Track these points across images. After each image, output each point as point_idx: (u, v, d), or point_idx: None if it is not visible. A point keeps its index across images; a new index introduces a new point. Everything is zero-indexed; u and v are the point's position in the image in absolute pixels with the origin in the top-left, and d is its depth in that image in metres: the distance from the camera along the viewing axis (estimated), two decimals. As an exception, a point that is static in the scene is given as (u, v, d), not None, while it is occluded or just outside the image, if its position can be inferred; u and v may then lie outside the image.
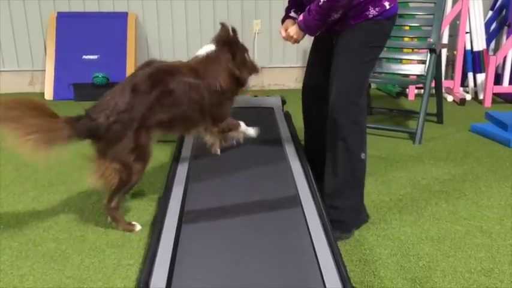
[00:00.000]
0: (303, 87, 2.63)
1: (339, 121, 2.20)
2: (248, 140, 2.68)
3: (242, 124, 2.64)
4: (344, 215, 2.23)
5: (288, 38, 2.35)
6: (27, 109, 2.02)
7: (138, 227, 2.28)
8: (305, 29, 2.26)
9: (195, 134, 2.62)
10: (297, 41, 2.35)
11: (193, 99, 2.36)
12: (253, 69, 2.65)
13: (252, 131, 2.68)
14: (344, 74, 2.25)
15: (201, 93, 2.38)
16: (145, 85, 2.24)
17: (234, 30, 2.54)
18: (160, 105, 2.26)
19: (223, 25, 2.56)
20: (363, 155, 2.26)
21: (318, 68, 2.48)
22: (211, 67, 2.45)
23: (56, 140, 2.05)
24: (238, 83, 2.56)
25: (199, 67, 2.43)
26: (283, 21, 2.46)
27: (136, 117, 2.18)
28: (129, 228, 2.27)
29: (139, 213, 2.43)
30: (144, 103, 2.21)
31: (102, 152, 2.16)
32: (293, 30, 2.31)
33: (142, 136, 2.21)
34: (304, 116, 2.68)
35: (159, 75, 2.31)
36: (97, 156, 2.18)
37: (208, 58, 2.48)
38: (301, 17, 2.26)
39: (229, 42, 2.52)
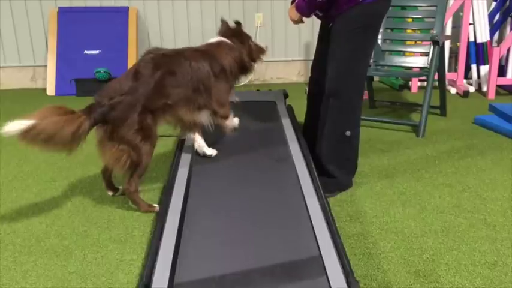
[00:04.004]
0: (310, 73, 2.82)
1: (330, 104, 2.44)
2: (251, 134, 2.67)
3: (233, 118, 2.61)
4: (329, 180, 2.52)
5: (290, 19, 2.57)
6: (51, 117, 2.06)
7: (158, 207, 2.36)
8: (298, 9, 2.47)
9: (198, 125, 2.53)
10: (296, 22, 2.56)
11: (197, 80, 2.37)
12: (260, 51, 2.71)
13: (236, 121, 2.65)
14: (337, 59, 2.42)
15: (205, 75, 2.40)
16: (148, 68, 2.29)
17: (238, 22, 2.66)
18: (163, 86, 2.30)
19: (224, 21, 2.68)
20: (348, 133, 2.48)
21: (323, 55, 2.55)
22: (221, 50, 2.52)
23: (82, 134, 2.13)
24: (245, 69, 2.64)
25: (208, 49, 2.51)
26: (292, 4, 2.62)
27: (141, 99, 2.23)
28: (150, 209, 2.36)
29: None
30: (147, 85, 2.26)
31: (110, 135, 2.21)
32: (290, 11, 2.55)
33: (147, 118, 2.26)
34: (307, 101, 2.84)
35: (162, 58, 2.36)
36: (106, 140, 2.22)
37: (220, 43, 2.56)
38: None
39: (236, 33, 2.63)
